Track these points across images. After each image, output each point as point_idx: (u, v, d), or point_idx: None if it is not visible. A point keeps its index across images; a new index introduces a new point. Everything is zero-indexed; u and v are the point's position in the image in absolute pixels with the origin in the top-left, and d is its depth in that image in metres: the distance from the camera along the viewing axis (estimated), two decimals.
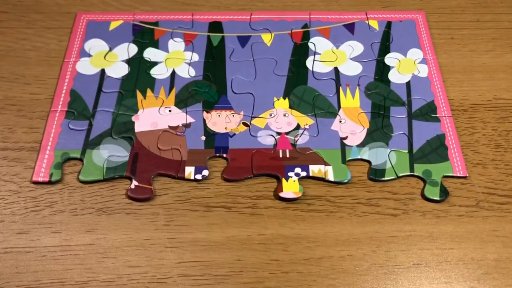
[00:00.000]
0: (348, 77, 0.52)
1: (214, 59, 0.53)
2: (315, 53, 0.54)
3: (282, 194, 0.44)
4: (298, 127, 0.48)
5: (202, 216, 0.43)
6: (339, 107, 0.50)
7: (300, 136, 0.48)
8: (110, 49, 0.54)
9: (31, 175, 0.45)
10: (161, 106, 0.49)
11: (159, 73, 0.52)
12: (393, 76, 0.52)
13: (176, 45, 0.54)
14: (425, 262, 0.41)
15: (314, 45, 0.54)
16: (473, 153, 0.47)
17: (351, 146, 0.47)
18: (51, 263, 0.40)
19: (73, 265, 0.40)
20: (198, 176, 0.45)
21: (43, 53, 0.54)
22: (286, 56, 0.53)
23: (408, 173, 0.45)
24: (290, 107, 0.50)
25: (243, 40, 0.55)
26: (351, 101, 0.50)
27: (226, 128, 0.48)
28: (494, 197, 0.45)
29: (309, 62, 0.53)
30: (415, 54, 0.54)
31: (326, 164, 0.46)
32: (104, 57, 0.53)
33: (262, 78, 0.52)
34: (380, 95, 0.50)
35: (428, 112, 0.49)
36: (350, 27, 0.56)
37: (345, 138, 0.47)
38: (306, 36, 0.55)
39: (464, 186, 0.45)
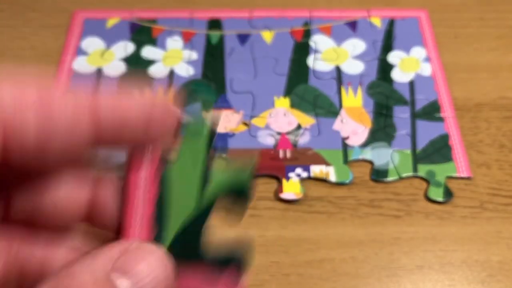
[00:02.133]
0: (350, 76, 0.51)
1: (213, 58, 0.52)
2: (316, 51, 0.53)
3: (282, 195, 0.43)
4: (299, 126, 0.48)
5: None
6: (341, 106, 0.49)
7: (301, 136, 0.47)
8: (107, 48, 0.53)
9: None
10: None
11: (157, 71, 0.51)
12: (396, 75, 0.51)
13: (174, 43, 0.54)
14: (429, 264, 0.41)
15: (315, 43, 0.54)
16: (477, 153, 0.47)
17: (353, 146, 0.46)
18: None
19: None
20: None
21: (39, 51, 0.53)
22: (287, 55, 0.53)
23: (411, 174, 0.45)
24: (291, 106, 0.49)
25: (242, 38, 0.54)
26: (353, 100, 0.49)
27: (225, 128, 0.47)
28: (499, 198, 0.44)
29: (310, 61, 0.52)
30: (418, 52, 0.53)
31: (327, 164, 0.45)
32: (101, 56, 0.52)
33: (262, 77, 0.51)
34: (383, 94, 0.50)
35: (432, 112, 0.49)
36: (352, 25, 0.55)
37: (347, 138, 0.47)
38: (307, 34, 0.55)
39: (468, 187, 0.45)
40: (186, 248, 0.22)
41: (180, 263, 0.22)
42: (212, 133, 0.22)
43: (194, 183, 0.22)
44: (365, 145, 0.47)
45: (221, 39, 0.54)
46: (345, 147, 0.46)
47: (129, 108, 0.21)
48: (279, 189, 0.44)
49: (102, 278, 0.20)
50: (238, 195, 0.23)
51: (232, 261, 0.22)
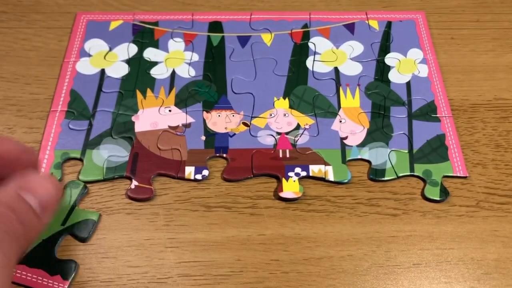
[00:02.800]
0: (348, 77, 0.52)
1: (214, 59, 0.53)
2: (315, 53, 0.54)
3: (282, 194, 0.44)
4: (298, 127, 0.48)
5: (202, 216, 0.43)
6: (339, 107, 0.50)
7: (300, 136, 0.48)
8: (110, 49, 0.54)
9: None
10: (161, 106, 0.49)
11: (159, 73, 0.52)
12: (393, 76, 0.52)
13: (176, 45, 0.54)
14: (425, 262, 0.41)
15: (314, 45, 0.54)
16: (473, 153, 0.47)
17: (351, 146, 0.47)
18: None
19: None
20: (198, 176, 0.45)
21: (43, 53, 0.53)
22: (286, 56, 0.53)
23: (408, 173, 0.45)
24: (290, 107, 0.50)
25: (243, 40, 0.55)
26: (351, 101, 0.50)
27: (226, 128, 0.48)
28: (494, 197, 0.45)
29: (309, 62, 0.53)
30: (415, 54, 0.54)
31: (326, 164, 0.46)
32: (104, 57, 0.53)
33: (262, 78, 0.52)
34: (380, 95, 0.50)
35: (428, 112, 0.49)
36: (350, 27, 0.56)
37: (345, 138, 0.47)
38: (306, 36, 0.55)
39: (464, 186, 0.45)
40: (46, 249, 0.40)
41: (38, 258, 0.40)
42: (82, 192, 0.44)
43: (63, 214, 0.42)
44: (363, 145, 0.47)
45: (222, 41, 0.55)
46: (344, 147, 0.47)
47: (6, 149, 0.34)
48: (279, 188, 0.44)
49: (13, 195, 0.31)
50: (82, 227, 0.42)
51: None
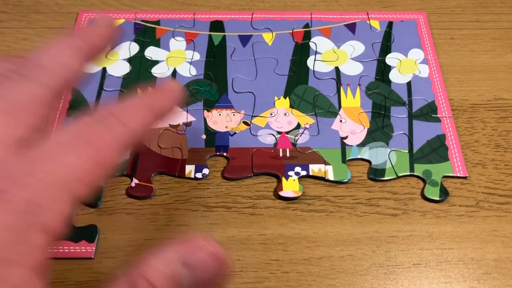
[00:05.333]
0: (349, 77, 0.52)
1: (215, 58, 0.53)
2: (316, 52, 0.54)
3: (282, 193, 0.44)
4: (298, 126, 0.48)
5: (202, 216, 0.43)
6: (340, 106, 0.50)
7: (300, 136, 0.48)
8: (112, 48, 0.54)
9: None
10: None
11: (160, 71, 0.52)
12: (394, 76, 0.52)
13: (177, 44, 0.54)
14: (425, 262, 0.41)
15: (315, 44, 0.54)
16: (473, 153, 0.47)
17: (351, 145, 0.47)
18: (51, 263, 0.40)
19: (73, 265, 0.40)
20: (198, 175, 0.45)
21: None
22: (287, 56, 0.53)
23: (408, 173, 0.45)
24: (291, 106, 0.50)
25: (244, 40, 0.55)
26: (352, 101, 0.50)
27: (226, 127, 0.48)
28: (494, 197, 0.45)
29: (310, 62, 0.53)
30: (416, 54, 0.54)
31: (326, 163, 0.46)
32: (106, 56, 0.53)
33: (263, 78, 0.52)
34: (381, 95, 0.50)
35: (429, 112, 0.49)
36: (351, 27, 0.56)
37: (346, 137, 0.48)
38: (307, 35, 0.55)
39: (464, 186, 0.45)
40: None
41: None
42: None
43: None
44: (363, 144, 0.47)
45: (223, 40, 0.55)
46: (344, 146, 0.47)
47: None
48: (279, 187, 0.44)
49: (170, 266, 0.26)
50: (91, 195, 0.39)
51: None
